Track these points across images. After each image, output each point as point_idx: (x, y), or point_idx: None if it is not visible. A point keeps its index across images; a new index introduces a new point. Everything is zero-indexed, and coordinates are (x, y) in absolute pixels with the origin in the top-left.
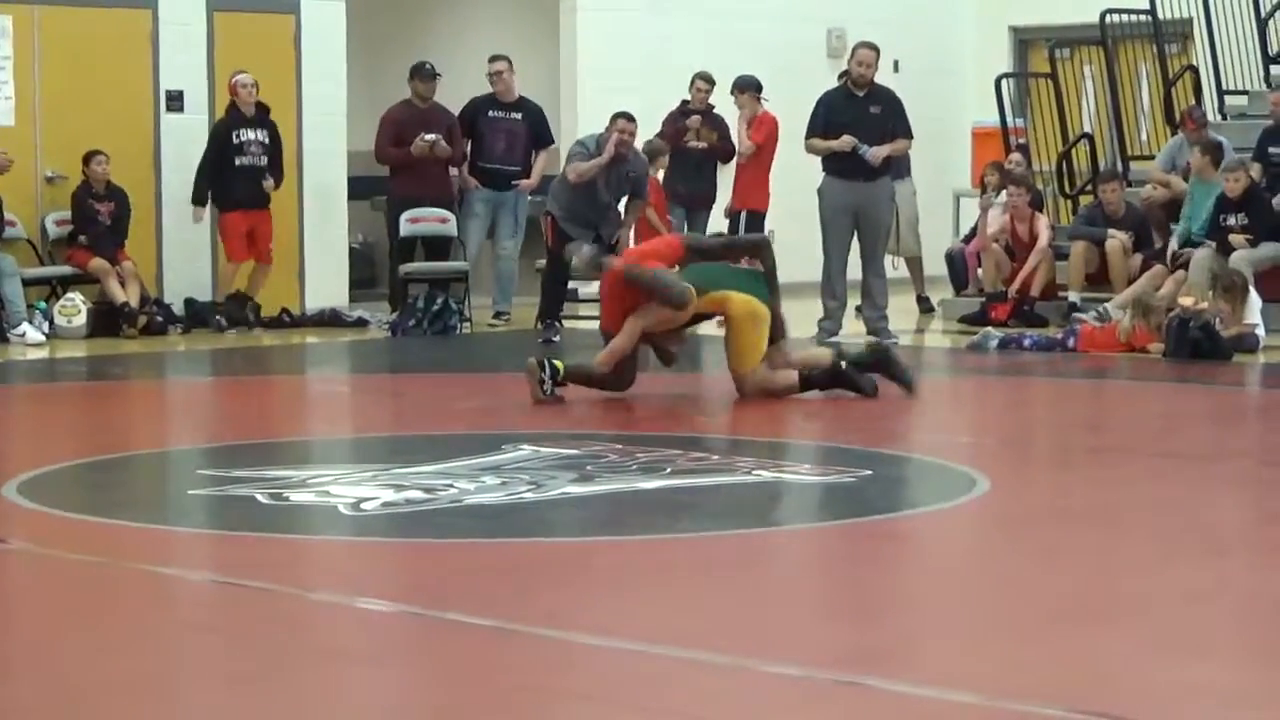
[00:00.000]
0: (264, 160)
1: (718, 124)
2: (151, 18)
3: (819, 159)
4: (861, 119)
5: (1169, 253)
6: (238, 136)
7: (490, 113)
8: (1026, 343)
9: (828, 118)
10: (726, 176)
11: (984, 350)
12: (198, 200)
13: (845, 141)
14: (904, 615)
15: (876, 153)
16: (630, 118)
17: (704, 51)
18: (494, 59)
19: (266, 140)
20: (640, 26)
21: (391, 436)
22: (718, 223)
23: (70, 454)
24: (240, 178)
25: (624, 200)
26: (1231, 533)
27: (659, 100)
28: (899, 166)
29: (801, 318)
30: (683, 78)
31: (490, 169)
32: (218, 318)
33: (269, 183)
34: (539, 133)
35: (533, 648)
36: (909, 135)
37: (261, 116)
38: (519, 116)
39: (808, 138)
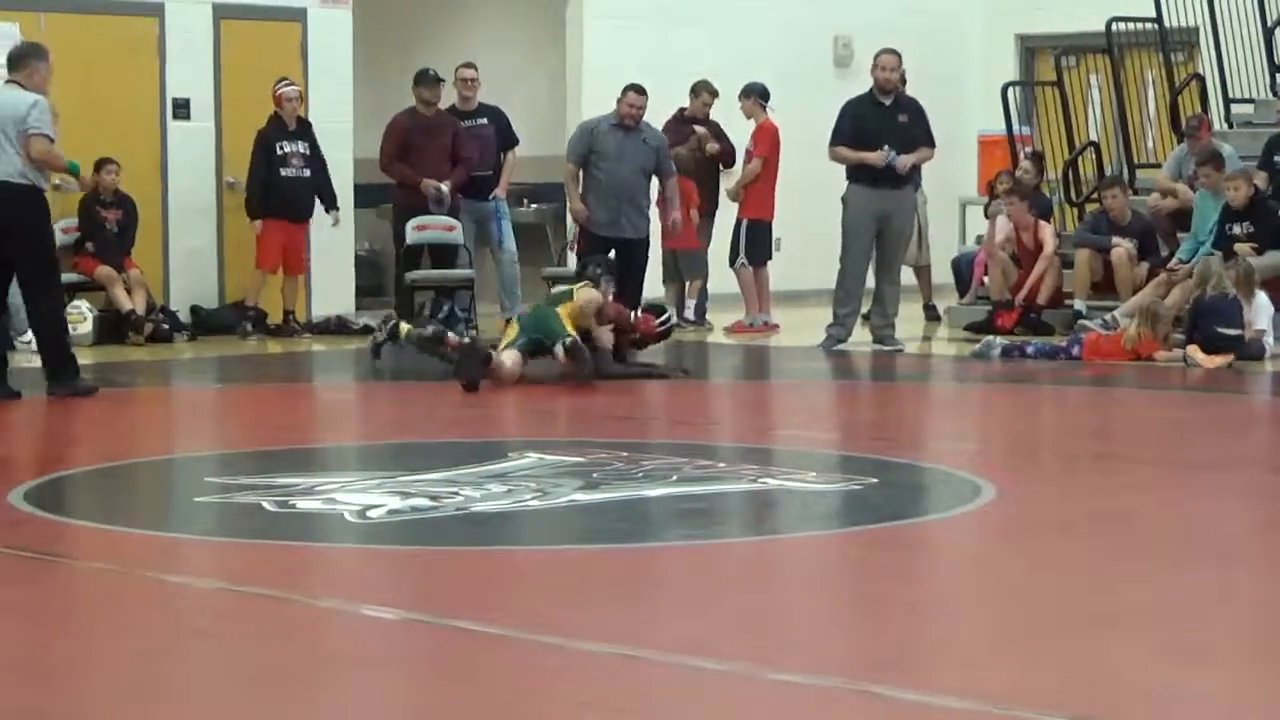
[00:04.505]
0: (306, 172)
1: (718, 132)
2: (158, 25)
3: (837, 166)
4: (889, 127)
5: (1170, 264)
6: (281, 148)
7: (462, 123)
8: (1030, 350)
9: (854, 126)
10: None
11: (987, 358)
12: (252, 214)
13: (880, 156)
14: (911, 623)
15: (904, 160)
16: (640, 90)
17: (710, 60)
18: (467, 65)
19: (308, 152)
20: (646, 35)
21: (397, 444)
22: (722, 230)
23: (77, 461)
24: (283, 189)
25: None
26: (1238, 540)
27: (665, 108)
28: (915, 177)
29: (809, 325)
30: (687, 85)
31: (468, 178)
32: (244, 323)
33: (333, 214)
34: (505, 135)
35: (539, 655)
36: (931, 144)
37: (303, 129)
38: (485, 121)
39: (833, 144)
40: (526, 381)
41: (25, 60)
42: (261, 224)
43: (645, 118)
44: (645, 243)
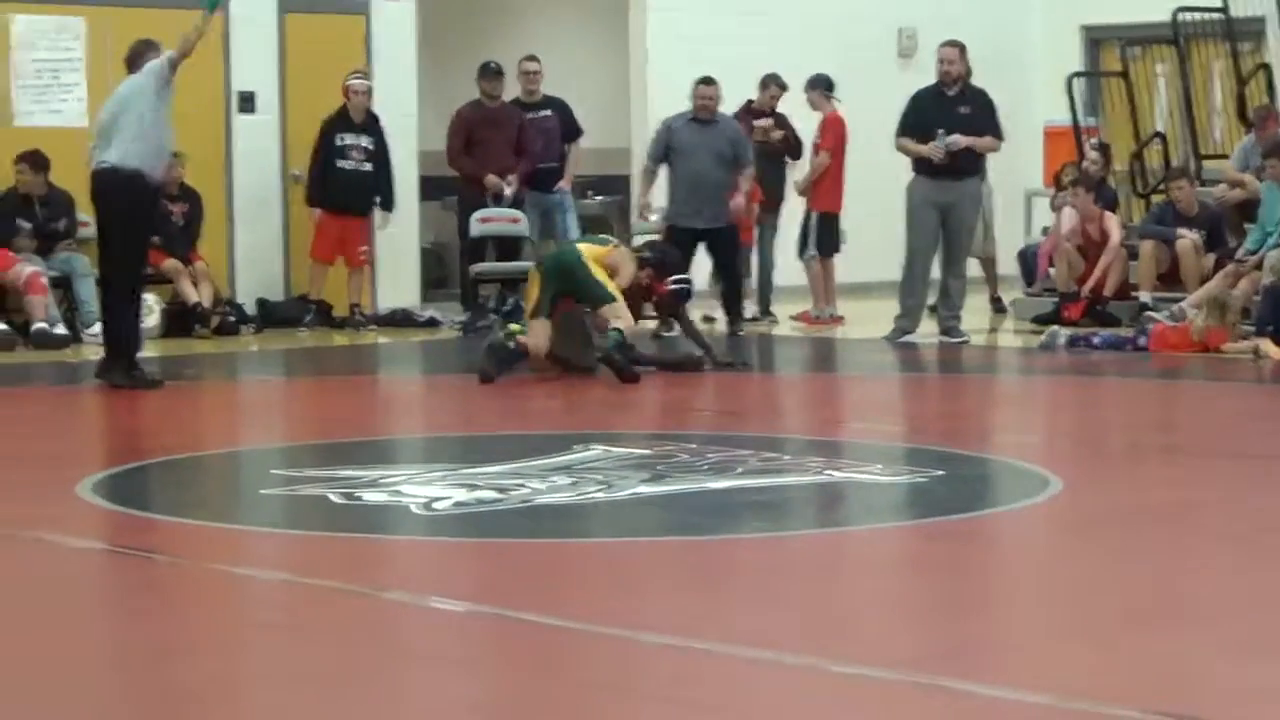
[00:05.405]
0: (367, 166)
1: (784, 123)
2: (224, 19)
3: (901, 158)
4: (950, 118)
5: (1238, 255)
6: (341, 139)
7: (527, 115)
8: (1096, 341)
9: (917, 116)
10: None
11: (1052, 349)
12: (309, 201)
13: (932, 149)
14: (977, 616)
15: (955, 140)
16: (708, 81)
17: (773, 51)
18: (530, 58)
19: (371, 147)
20: (708, 26)
21: (463, 436)
22: (789, 222)
23: (144, 453)
24: (338, 181)
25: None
26: None
27: (727, 100)
28: (980, 168)
29: (874, 317)
30: (751, 77)
31: (534, 170)
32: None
33: (385, 217)
34: (569, 126)
35: (604, 647)
36: (998, 136)
37: (369, 124)
38: (549, 113)
39: (898, 135)
40: (577, 373)
41: (141, 57)
42: (320, 213)
43: None
44: (731, 230)
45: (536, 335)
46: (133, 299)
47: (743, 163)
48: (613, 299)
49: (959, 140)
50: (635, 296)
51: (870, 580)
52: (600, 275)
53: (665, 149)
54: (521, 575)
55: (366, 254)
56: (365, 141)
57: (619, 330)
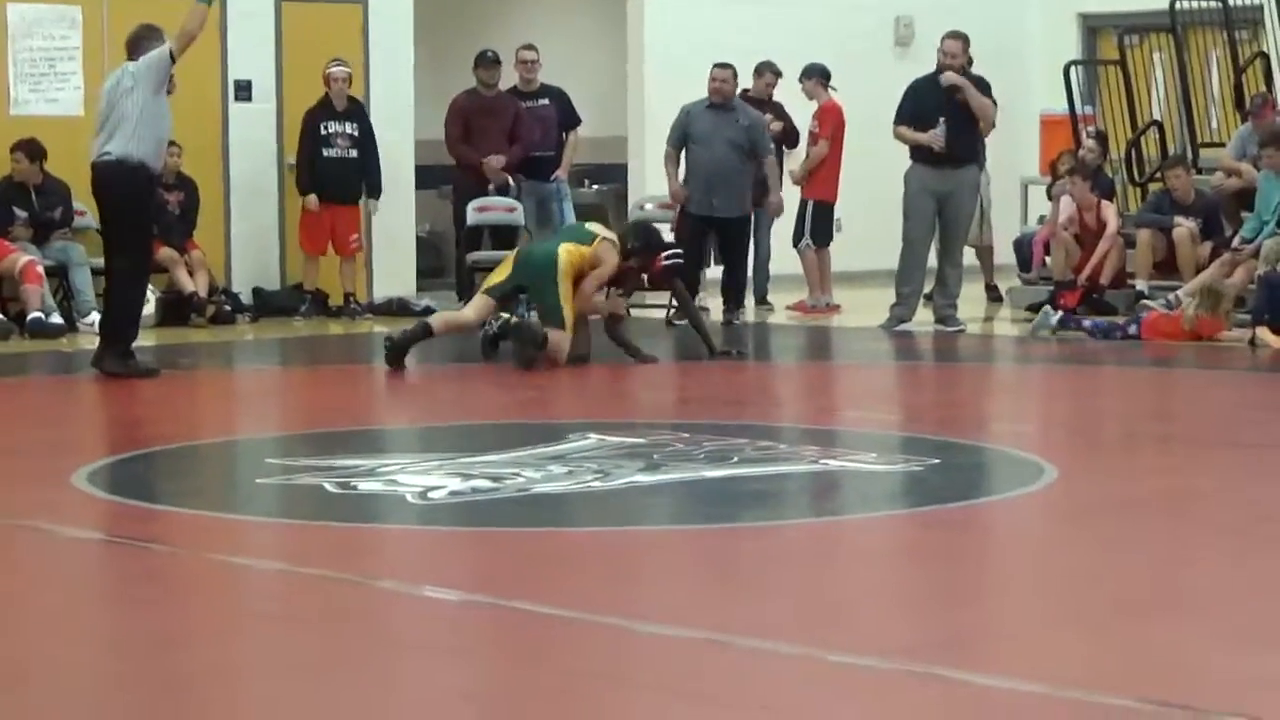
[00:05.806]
0: (353, 153)
1: (781, 113)
2: (221, 7)
3: (898, 146)
4: (947, 106)
5: (1234, 244)
6: (325, 128)
7: (524, 104)
8: (1086, 324)
9: (915, 105)
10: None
11: (1044, 328)
12: (301, 190)
13: (931, 137)
14: (972, 605)
15: (949, 76)
16: (721, 66)
17: (770, 40)
18: (528, 47)
19: (356, 133)
20: (706, 14)
21: (458, 425)
22: (785, 211)
23: (140, 443)
24: (326, 169)
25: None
26: None
27: None
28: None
29: (870, 305)
30: (748, 65)
31: (530, 159)
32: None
33: (372, 204)
34: (566, 115)
35: (600, 637)
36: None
37: (352, 110)
38: (546, 102)
39: (896, 124)
40: (573, 362)
41: (140, 43)
42: (316, 199)
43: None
44: (743, 221)
45: (477, 308)
46: (139, 287)
47: (760, 152)
48: (560, 327)
49: (953, 77)
50: (629, 278)
51: (865, 569)
52: (566, 294)
53: (684, 135)
54: (516, 564)
55: (357, 242)
56: (349, 128)
57: (543, 341)
